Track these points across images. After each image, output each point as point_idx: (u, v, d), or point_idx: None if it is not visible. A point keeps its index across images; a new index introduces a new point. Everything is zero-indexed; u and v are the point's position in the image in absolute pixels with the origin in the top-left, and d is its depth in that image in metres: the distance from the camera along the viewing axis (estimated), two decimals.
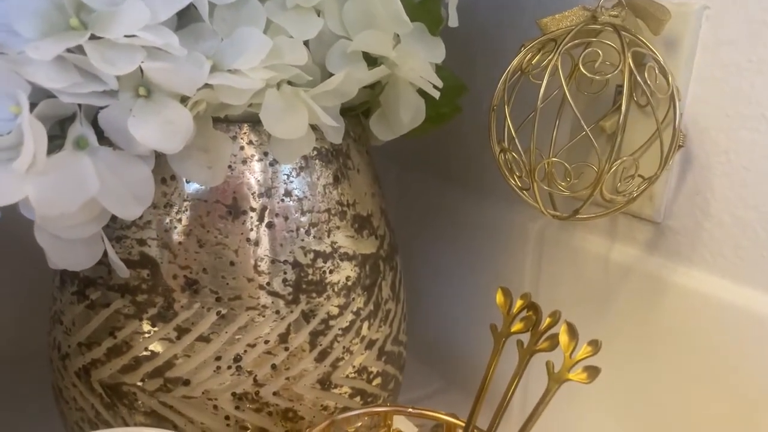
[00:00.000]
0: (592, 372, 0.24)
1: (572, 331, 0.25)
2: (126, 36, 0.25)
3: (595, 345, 0.25)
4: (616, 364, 0.36)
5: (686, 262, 0.35)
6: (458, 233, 0.50)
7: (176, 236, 0.30)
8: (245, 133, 0.30)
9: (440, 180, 0.52)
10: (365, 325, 0.34)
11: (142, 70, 0.25)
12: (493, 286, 0.46)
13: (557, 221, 0.39)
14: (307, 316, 0.31)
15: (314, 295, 0.32)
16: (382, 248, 0.35)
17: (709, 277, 0.34)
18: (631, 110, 0.33)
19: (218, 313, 0.30)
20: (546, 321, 0.27)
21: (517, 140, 0.33)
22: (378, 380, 0.35)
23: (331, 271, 0.32)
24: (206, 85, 0.27)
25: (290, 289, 0.31)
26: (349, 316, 0.33)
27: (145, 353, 0.30)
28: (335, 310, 0.32)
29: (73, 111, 0.26)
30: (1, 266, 0.50)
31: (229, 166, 0.30)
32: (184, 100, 0.27)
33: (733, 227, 0.33)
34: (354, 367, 0.33)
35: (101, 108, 0.26)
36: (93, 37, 0.25)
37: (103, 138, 0.27)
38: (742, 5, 0.31)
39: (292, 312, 0.31)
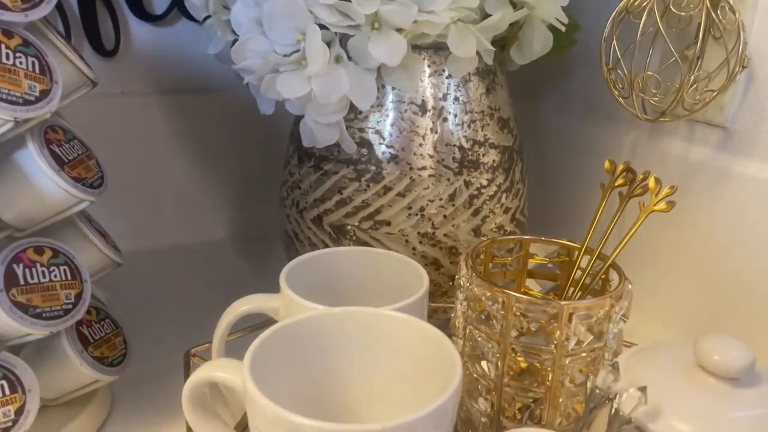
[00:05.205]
0: (670, 205, 0.37)
1: (658, 181, 0.38)
2: None
3: (673, 187, 0.38)
4: (692, 232, 0.49)
5: (747, 156, 0.47)
6: (567, 142, 0.62)
7: (384, 126, 0.44)
8: (430, 56, 0.44)
9: (552, 100, 0.65)
10: (504, 196, 0.48)
11: (377, 12, 0.40)
12: (591, 182, 0.59)
13: (647, 130, 0.51)
14: (467, 184, 0.46)
15: (472, 170, 0.46)
16: (515, 143, 0.49)
17: (765, 165, 0.46)
18: (707, 42, 0.45)
19: (410, 178, 0.45)
20: (640, 177, 0.40)
21: (621, 62, 0.45)
22: None
23: (483, 155, 0.46)
24: (413, 22, 0.41)
25: (457, 165, 0.45)
26: (494, 188, 0.47)
27: (361, 204, 0.46)
28: (485, 182, 0.46)
29: (331, 38, 0.41)
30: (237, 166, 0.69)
31: (420, 79, 0.44)
32: (399, 30, 0.41)
33: None
34: (496, 224, 0.48)
35: (350, 36, 0.41)
36: None
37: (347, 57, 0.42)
38: None
39: (458, 180, 0.45)
